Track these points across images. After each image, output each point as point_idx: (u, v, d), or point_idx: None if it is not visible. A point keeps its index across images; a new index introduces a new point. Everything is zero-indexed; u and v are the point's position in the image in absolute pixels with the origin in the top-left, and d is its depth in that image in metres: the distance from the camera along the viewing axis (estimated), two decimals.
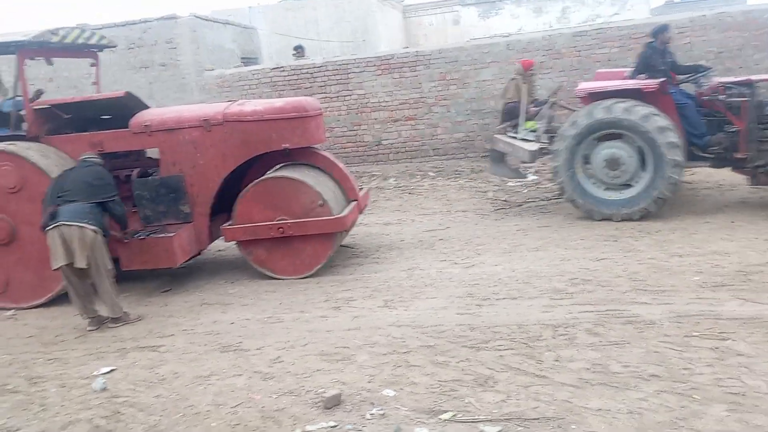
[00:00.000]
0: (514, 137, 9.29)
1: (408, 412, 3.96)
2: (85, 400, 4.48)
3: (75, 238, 5.88)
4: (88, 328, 6.14)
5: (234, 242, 7.34)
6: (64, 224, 5.88)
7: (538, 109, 9.43)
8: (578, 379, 4.11)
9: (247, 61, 13.56)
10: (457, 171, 11.71)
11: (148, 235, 6.97)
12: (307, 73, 11.64)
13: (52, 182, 6.37)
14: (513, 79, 10.10)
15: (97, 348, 5.75)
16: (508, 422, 3.71)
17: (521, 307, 5.48)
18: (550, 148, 8.45)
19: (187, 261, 7.36)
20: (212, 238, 7.58)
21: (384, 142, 12.00)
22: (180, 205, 7.19)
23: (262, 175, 7.28)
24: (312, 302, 6.37)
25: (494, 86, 11.63)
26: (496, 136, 9.54)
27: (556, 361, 4.41)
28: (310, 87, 11.67)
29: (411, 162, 11.94)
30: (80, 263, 5.89)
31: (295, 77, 11.67)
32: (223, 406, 4.27)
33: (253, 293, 6.83)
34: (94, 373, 5.02)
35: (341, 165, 7.75)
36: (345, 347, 5.08)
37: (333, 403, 4.09)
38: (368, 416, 3.95)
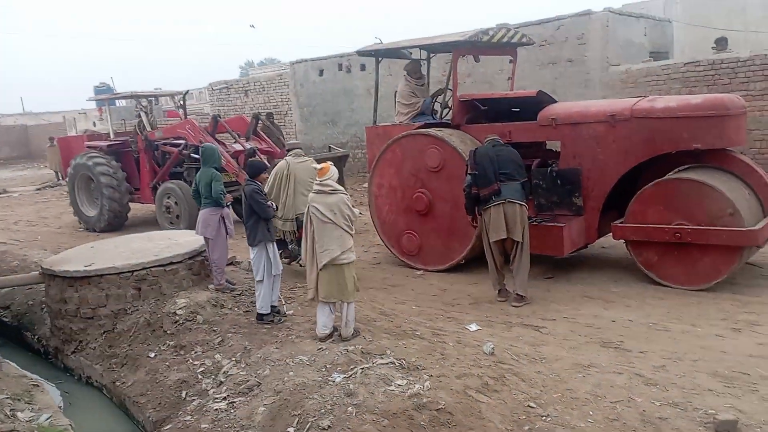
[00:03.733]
0: None
1: None
2: (477, 359, 5.02)
3: (517, 214, 6.49)
4: (498, 299, 6.82)
5: (622, 241, 7.20)
6: (509, 201, 6.47)
7: None
8: None
9: (656, 55, 12.84)
10: None
11: (539, 222, 7.35)
12: (728, 68, 10.42)
13: (478, 157, 6.64)
14: None
15: (486, 316, 6.39)
16: None
17: None
18: None
19: (572, 252, 7.52)
20: (601, 233, 7.56)
21: None
22: (573, 198, 7.36)
23: (661, 176, 6.92)
24: (705, 317, 5.85)
25: None
26: None
27: None
28: (729, 84, 10.45)
29: None
30: (518, 237, 6.50)
31: (711, 73, 10.59)
32: (601, 399, 4.31)
33: (638, 296, 6.62)
34: (474, 332, 5.60)
35: (762, 172, 6.82)
36: (745, 373, 4.56)
37: (726, 428, 3.74)
38: None
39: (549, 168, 7.58)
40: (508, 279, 6.86)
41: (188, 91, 16.06)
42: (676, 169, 7.04)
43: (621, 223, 7.02)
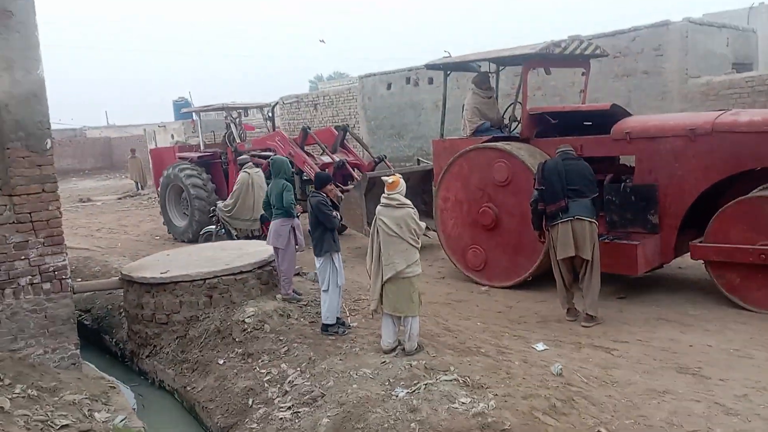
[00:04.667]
0: None
1: None
2: (544, 380, 4.89)
3: (586, 232, 6.30)
4: (567, 318, 6.64)
5: (701, 261, 6.86)
6: (578, 219, 6.29)
7: None
8: None
9: (739, 67, 12.24)
10: None
11: (612, 240, 7.10)
12: None
13: (546, 171, 6.50)
14: None
15: (555, 336, 6.21)
16: None
17: None
18: None
19: (647, 272, 7.22)
20: (677, 252, 7.23)
21: None
22: (649, 215, 7.08)
23: (744, 193, 6.57)
24: None
25: None
26: None
27: None
28: None
29: None
30: (586, 255, 6.31)
31: None
32: (678, 427, 4.10)
33: (718, 320, 6.27)
34: (542, 352, 5.44)
35: None
36: None
37: None
38: None
39: (623, 184, 7.33)
40: (578, 298, 6.65)
41: (277, 102, 16.16)
42: (761, 187, 6.66)
43: (700, 242, 6.69)
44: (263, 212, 8.53)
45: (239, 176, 9.74)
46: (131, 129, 38.95)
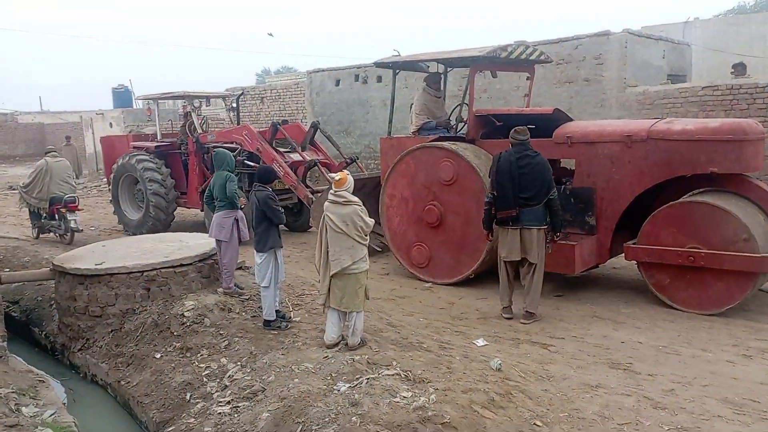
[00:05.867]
0: None
1: None
2: (483, 374, 4.98)
3: (534, 238, 6.45)
4: (504, 315, 6.78)
5: (634, 262, 7.15)
6: (525, 228, 6.44)
7: None
8: None
9: (674, 78, 12.79)
10: None
11: (550, 240, 7.30)
12: (746, 93, 10.37)
13: (499, 174, 6.42)
14: None
15: (494, 332, 6.34)
16: None
17: None
18: None
19: (583, 271, 7.47)
20: (612, 253, 7.51)
21: None
22: (586, 216, 7.34)
23: (676, 198, 6.89)
24: (716, 342, 5.78)
25: None
26: None
27: None
28: (747, 109, 10.38)
29: None
30: (533, 259, 6.48)
31: (729, 98, 10.53)
32: (609, 420, 4.26)
33: (649, 318, 6.55)
34: (482, 347, 5.56)
35: None
36: (755, 401, 4.50)
37: None
38: None
39: (563, 186, 7.55)
40: (517, 296, 6.82)
41: (243, 93, 15.26)
42: (691, 192, 7.00)
43: (633, 243, 6.97)
44: (55, 194, 10.66)
45: (38, 162, 11.16)
46: (66, 116, 37.32)
